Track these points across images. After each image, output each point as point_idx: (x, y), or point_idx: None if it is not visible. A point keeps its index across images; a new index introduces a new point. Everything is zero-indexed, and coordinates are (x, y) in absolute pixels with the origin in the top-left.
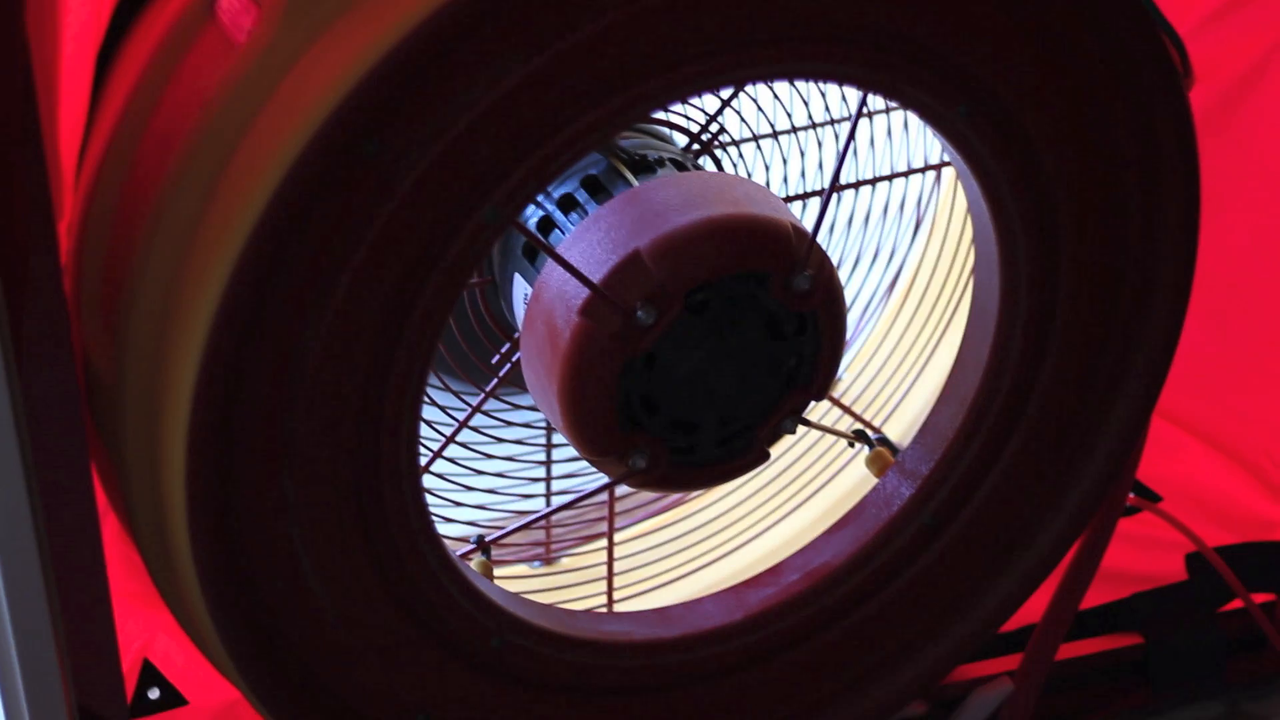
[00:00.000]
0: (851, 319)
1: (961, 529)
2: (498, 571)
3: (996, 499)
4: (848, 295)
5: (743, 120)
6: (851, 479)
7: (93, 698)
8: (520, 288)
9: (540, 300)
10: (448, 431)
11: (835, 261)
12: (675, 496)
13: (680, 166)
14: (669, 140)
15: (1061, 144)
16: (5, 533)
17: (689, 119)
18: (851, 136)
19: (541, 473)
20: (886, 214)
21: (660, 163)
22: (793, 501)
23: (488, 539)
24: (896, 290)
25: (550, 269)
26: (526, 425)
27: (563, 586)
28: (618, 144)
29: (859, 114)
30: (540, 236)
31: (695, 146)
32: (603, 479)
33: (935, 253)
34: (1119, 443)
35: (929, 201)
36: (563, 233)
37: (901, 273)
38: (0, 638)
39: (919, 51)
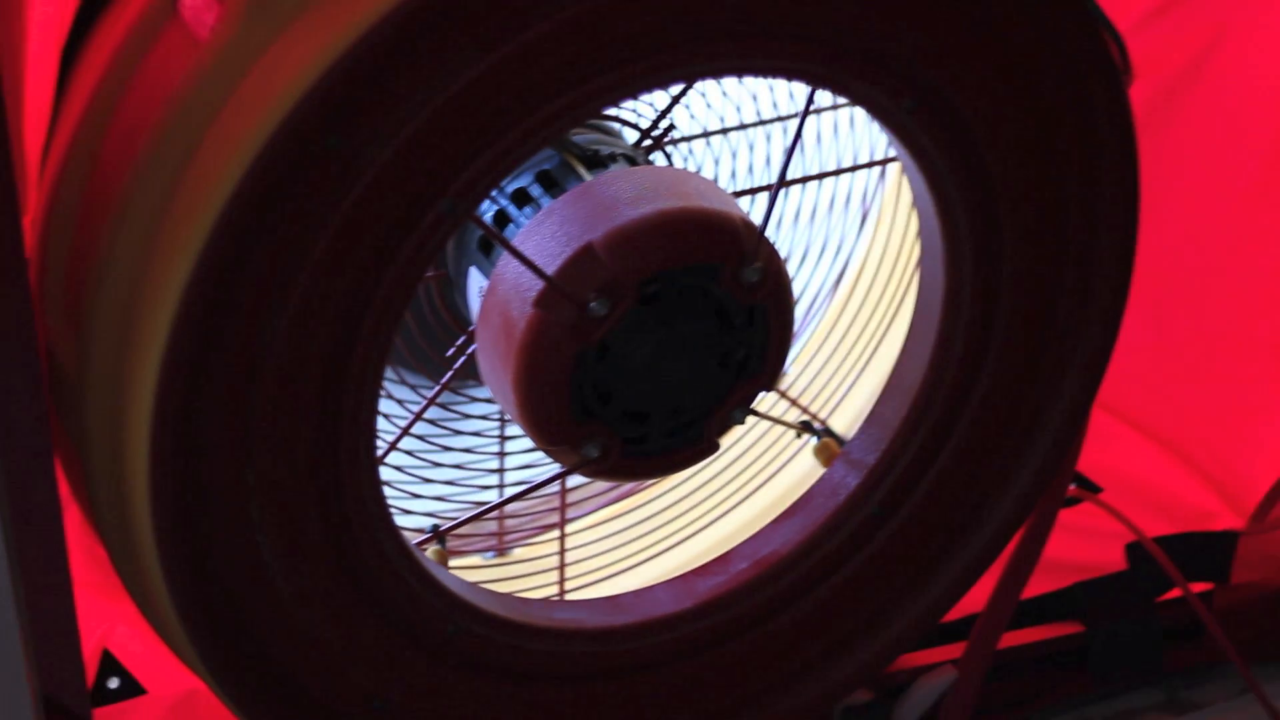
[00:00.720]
0: (799, 312)
1: (906, 518)
2: (453, 563)
3: (941, 489)
4: (795, 288)
5: (692, 116)
6: (799, 469)
7: (56, 686)
8: (475, 281)
9: (495, 293)
10: (404, 424)
11: (784, 255)
12: (627, 487)
13: (632, 161)
14: (620, 136)
15: (1004, 138)
16: None
17: (640, 115)
18: (799, 133)
19: (496, 464)
20: (833, 208)
21: (612, 158)
22: (742, 491)
23: (442, 529)
24: (843, 284)
25: (505, 262)
26: (482, 417)
27: (516, 577)
28: (571, 139)
29: (806, 110)
30: (495, 230)
31: (646, 142)
32: (556, 470)
33: (881, 246)
34: (1060, 434)
35: (875, 196)
36: (517, 226)
37: (848, 266)
38: None
39: (865, 47)
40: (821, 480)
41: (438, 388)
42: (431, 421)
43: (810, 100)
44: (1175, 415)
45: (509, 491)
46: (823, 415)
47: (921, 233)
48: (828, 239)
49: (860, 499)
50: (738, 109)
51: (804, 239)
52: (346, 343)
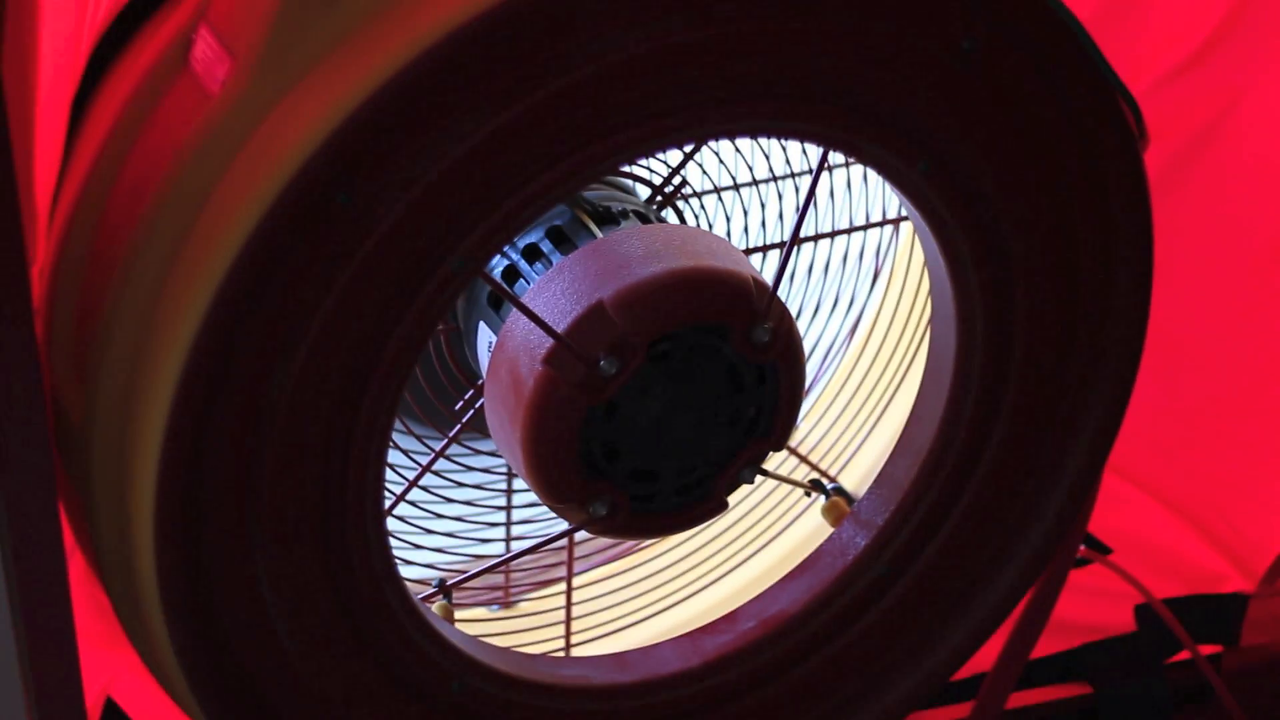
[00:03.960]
0: (810, 368)
1: (916, 579)
2: (457, 614)
3: (950, 550)
4: (806, 344)
5: (704, 173)
6: (807, 527)
7: None
8: (485, 336)
9: (504, 348)
10: (411, 475)
11: (794, 310)
12: (633, 543)
13: (643, 218)
14: (632, 192)
15: (1018, 203)
16: None
17: (652, 171)
18: (812, 192)
19: (501, 517)
20: (845, 263)
21: (624, 214)
22: (749, 549)
23: (449, 583)
24: (854, 340)
25: (515, 318)
26: (487, 470)
27: (521, 630)
28: (582, 196)
29: (820, 169)
30: (506, 286)
31: (658, 199)
32: (562, 524)
33: (893, 303)
34: (1071, 495)
35: (887, 252)
36: (528, 282)
37: (860, 322)
38: None
39: (880, 110)
40: (830, 539)
41: (445, 441)
42: (436, 473)
43: (824, 159)
44: (1185, 478)
45: (515, 545)
46: (833, 472)
47: (933, 292)
48: (839, 294)
49: (869, 559)
50: (750, 165)
51: (816, 294)
52: (354, 397)
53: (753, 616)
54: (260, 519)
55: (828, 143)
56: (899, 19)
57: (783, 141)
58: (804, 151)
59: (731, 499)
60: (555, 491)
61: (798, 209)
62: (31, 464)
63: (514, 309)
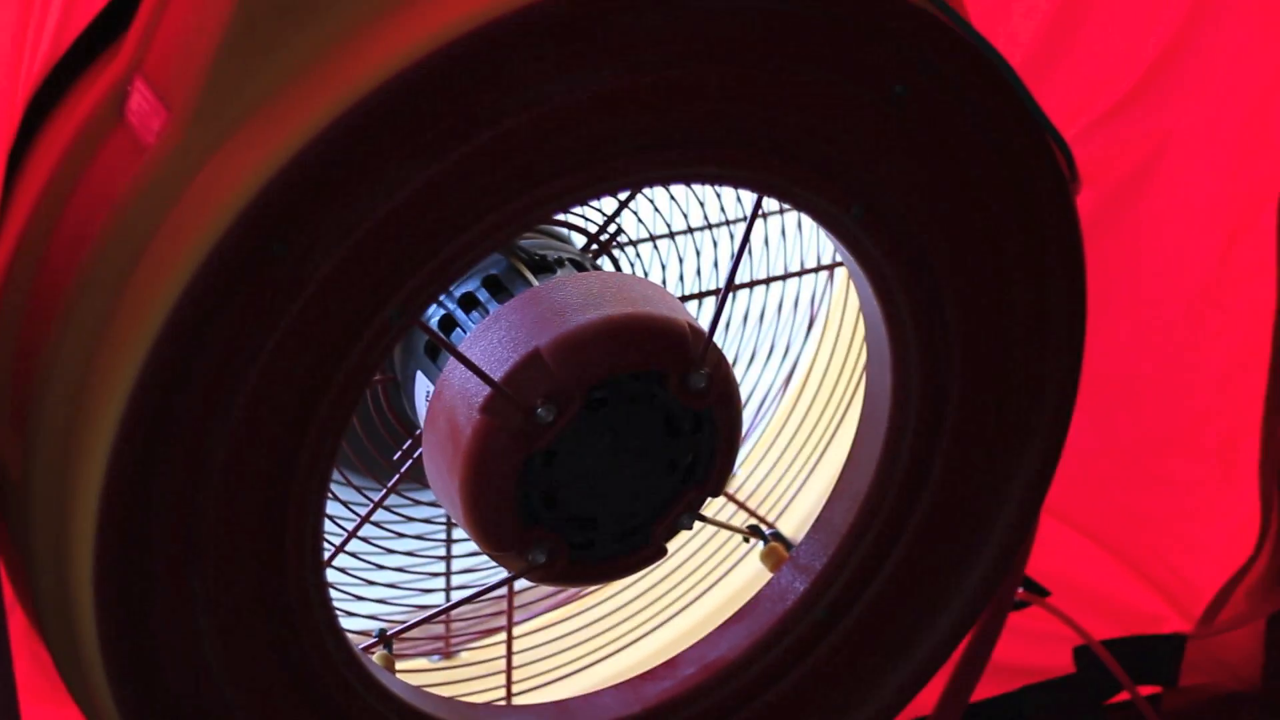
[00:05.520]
0: (746, 415)
1: (855, 623)
2: (398, 665)
3: (889, 593)
4: (743, 391)
5: (639, 221)
6: (746, 573)
7: None
8: (422, 385)
9: (442, 398)
10: (350, 526)
11: (731, 357)
12: (573, 591)
13: (579, 266)
14: (568, 240)
15: (952, 245)
16: None
17: (587, 219)
18: (746, 237)
19: (441, 567)
20: (781, 310)
21: (559, 263)
22: (689, 595)
23: (389, 633)
24: (791, 386)
25: (452, 367)
26: (427, 520)
27: (462, 680)
28: (518, 244)
29: (754, 215)
30: (442, 335)
31: (594, 247)
32: (502, 573)
33: (829, 349)
34: (1008, 538)
35: (823, 298)
36: (464, 331)
37: (796, 368)
38: None
39: (813, 156)
40: (770, 584)
41: (384, 491)
42: (376, 524)
43: (758, 206)
44: (1121, 520)
45: (455, 594)
46: (770, 518)
47: (868, 338)
48: (775, 341)
49: (808, 603)
50: (685, 214)
51: (752, 341)
52: (292, 447)
53: (693, 662)
54: (200, 572)
55: (761, 189)
56: (830, 65)
57: (716, 188)
58: (739, 199)
59: (670, 545)
60: (494, 540)
61: (733, 255)
62: None
63: (451, 358)
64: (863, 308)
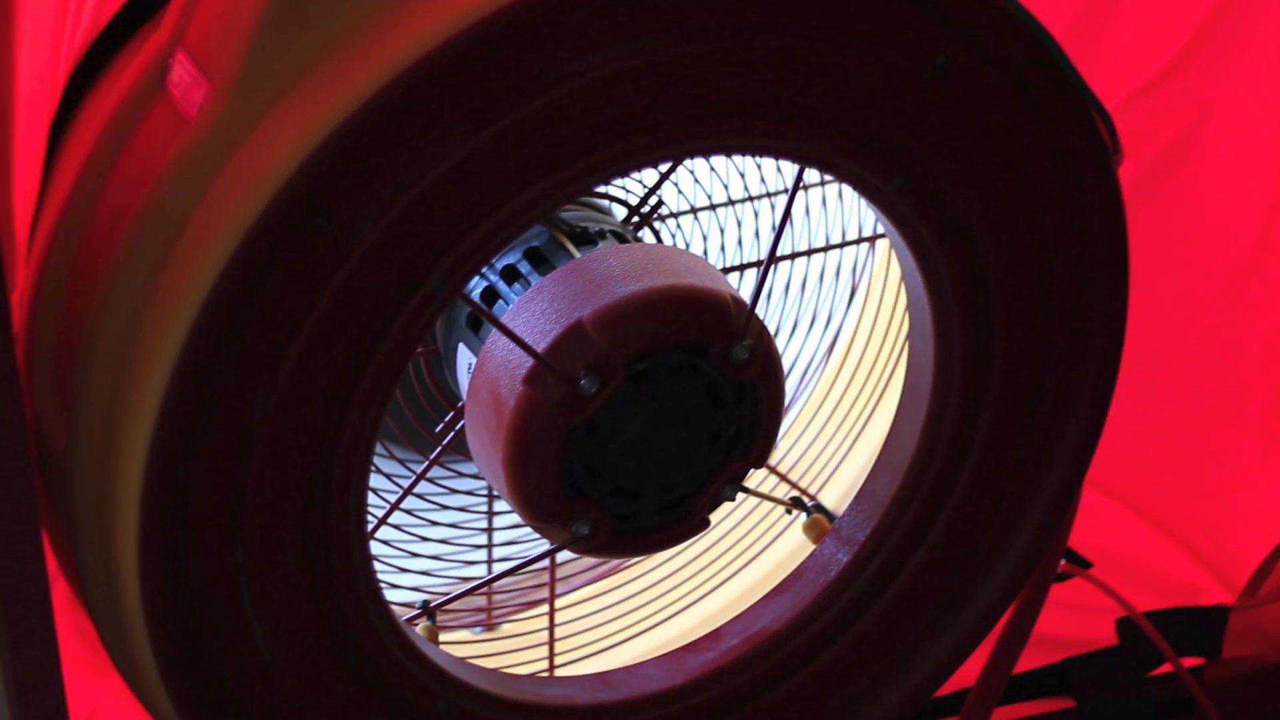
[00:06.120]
0: (788, 385)
1: (897, 594)
2: (441, 637)
3: (932, 565)
4: (785, 361)
5: (681, 193)
6: (789, 544)
7: None
8: (465, 357)
9: (484, 369)
10: (392, 499)
11: (772, 328)
12: (616, 562)
13: (621, 238)
14: (609, 213)
15: (993, 216)
16: None
17: (629, 192)
18: (788, 211)
19: (484, 539)
20: (823, 281)
21: (601, 235)
22: (732, 567)
23: (433, 604)
24: (833, 357)
25: (494, 339)
26: (469, 493)
27: (505, 652)
28: (559, 216)
29: (795, 187)
30: (485, 307)
31: (635, 219)
32: (544, 545)
33: (871, 319)
34: (1051, 510)
35: (864, 268)
36: (506, 303)
37: (838, 339)
38: None
39: (855, 127)
40: (812, 556)
41: (427, 463)
42: (419, 496)
43: (799, 177)
44: (1164, 491)
45: (497, 566)
46: (813, 490)
47: (910, 308)
48: (817, 312)
49: (851, 576)
50: (726, 185)
51: (793, 312)
52: (336, 419)
53: (736, 634)
54: (244, 543)
55: (803, 160)
56: (873, 36)
57: (758, 160)
58: (779, 170)
59: (713, 517)
60: (537, 511)
61: (774, 227)
62: (14, 490)
63: (493, 330)
64: (905, 278)
